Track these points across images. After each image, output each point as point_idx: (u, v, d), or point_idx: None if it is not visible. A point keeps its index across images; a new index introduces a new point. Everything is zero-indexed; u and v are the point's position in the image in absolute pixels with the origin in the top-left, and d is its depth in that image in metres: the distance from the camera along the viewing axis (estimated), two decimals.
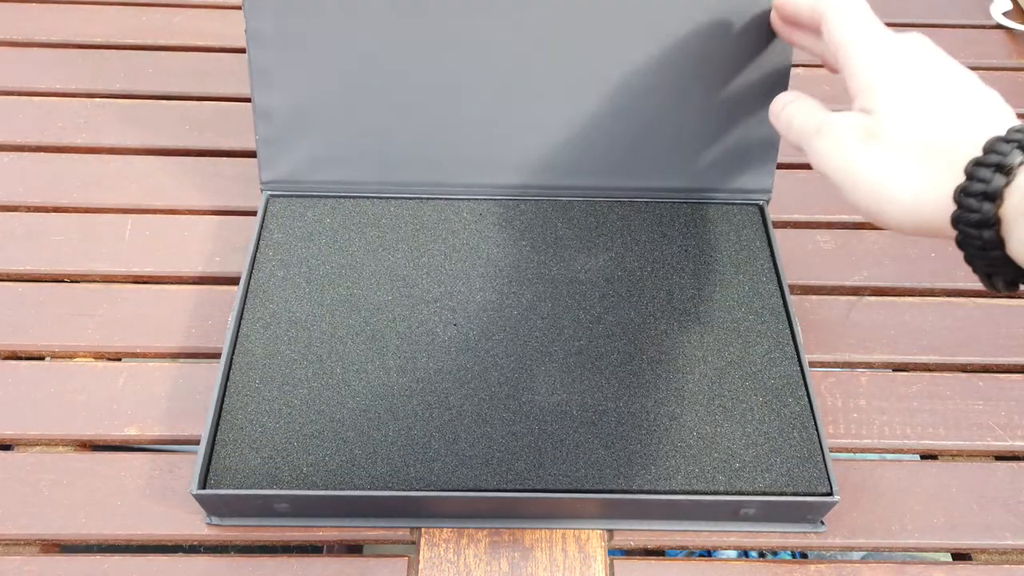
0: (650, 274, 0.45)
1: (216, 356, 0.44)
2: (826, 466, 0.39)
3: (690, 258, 0.46)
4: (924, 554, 0.42)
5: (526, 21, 0.53)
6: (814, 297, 0.48)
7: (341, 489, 0.38)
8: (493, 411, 0.40)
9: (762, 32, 0.45)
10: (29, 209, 0.51)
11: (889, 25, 0.38)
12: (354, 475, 0.38)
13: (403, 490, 0.38)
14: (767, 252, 0.46)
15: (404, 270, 0.45)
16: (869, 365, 0.46)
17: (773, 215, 0.52)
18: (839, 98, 0.58)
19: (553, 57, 0.52)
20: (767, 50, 0.46)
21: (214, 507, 0.39)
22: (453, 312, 0.44)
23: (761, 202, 0.49)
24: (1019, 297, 0.49)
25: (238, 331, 0.43)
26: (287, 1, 0.48)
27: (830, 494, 0.38)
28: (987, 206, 0.27)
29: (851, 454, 0.44)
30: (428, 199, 0.48)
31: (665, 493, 0.38)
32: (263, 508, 0.39)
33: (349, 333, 0.43)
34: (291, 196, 0.48)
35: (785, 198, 0.53)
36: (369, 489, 0.38)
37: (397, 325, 0.43)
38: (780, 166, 0.55)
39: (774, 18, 0.43)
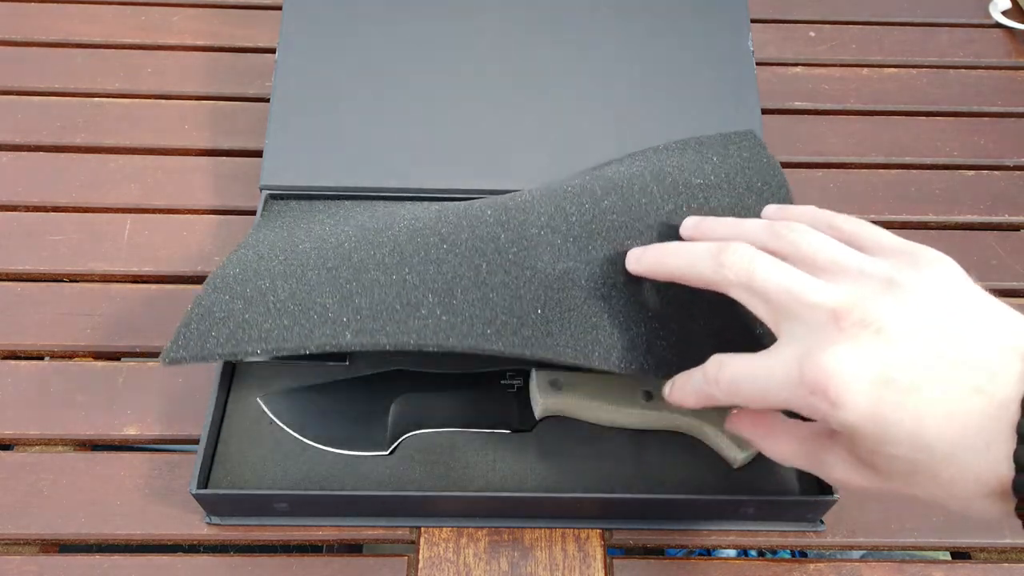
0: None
1: None
2: None
3: None
4: (923, 553, 0.42)
5: (526, 31, 0.53)
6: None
7: (341, 489, 0.38)
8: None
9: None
10: (28, 209, 0.51)
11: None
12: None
13: (402, 490, 0.38)
14: None
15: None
16: None
17: None
18: (839, 97, 0.59)
19: (552, 64, 0.52)
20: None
21: (214, 507, 0.39)
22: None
23: None
24: (1016, 296, 0.49)
25: None
26: (322, 14, 0.50)
27: (830, 493, 0.38)
28: None
29: None
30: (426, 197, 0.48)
31: (665, 493, 0.39)
32: (263, 508, 0.39)
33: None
34: (290, 197, 0.48)
35: None
36: (369, 489, 0.38)
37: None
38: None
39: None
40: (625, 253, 0.36)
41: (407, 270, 0.36)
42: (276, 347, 0.35)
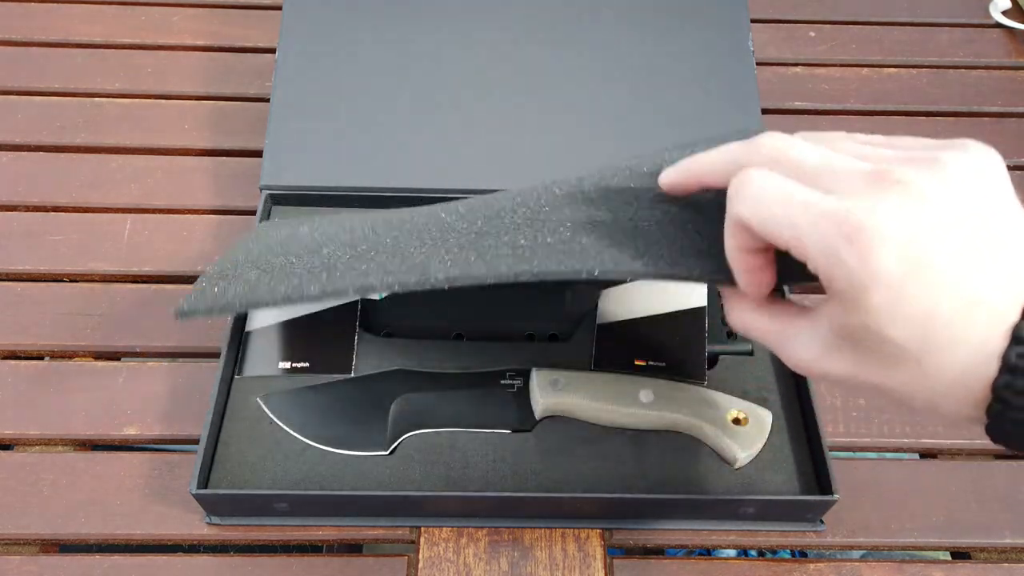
0: None
1: (216, 356, 0.44)
2: (826, 465, 0.39)
3: None
4: (923, 553, 0.42)
5: (526, 31, 0.53)
6: (814, 296, 0.48)
7: (341, 489, 0.38)
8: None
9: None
10: (29, 209, 0.51)
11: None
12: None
13: (402, 490, 0.38)
14: None
15: None
16: None
17: None
18: (839, 97, 0.58)
19: (551, 65, 0.52)
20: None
21: (214, 507, 0.39)
22: None
23: None
24: None
25: (238, 330, 0.43)
26: (322, 14, 0.50)
27: (830, 493, 0.38)
28: None
29: (851, 453, 0.44)
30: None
31: (664, 493, 0.39)
32: (263, 508, 0.39)
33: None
34: (290, 197, 0.48)
35: None
36: (369, 489, 0.38)
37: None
38: None
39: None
40: (635, 197, 0.34)
41: (424, 243, 0.35)
42: (295, 293, 0.33)
